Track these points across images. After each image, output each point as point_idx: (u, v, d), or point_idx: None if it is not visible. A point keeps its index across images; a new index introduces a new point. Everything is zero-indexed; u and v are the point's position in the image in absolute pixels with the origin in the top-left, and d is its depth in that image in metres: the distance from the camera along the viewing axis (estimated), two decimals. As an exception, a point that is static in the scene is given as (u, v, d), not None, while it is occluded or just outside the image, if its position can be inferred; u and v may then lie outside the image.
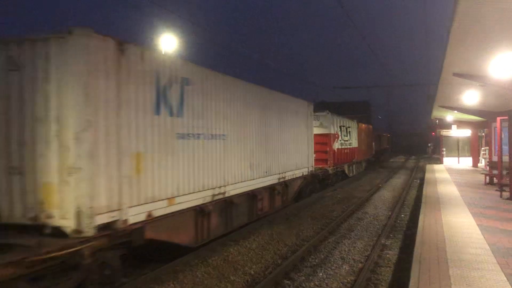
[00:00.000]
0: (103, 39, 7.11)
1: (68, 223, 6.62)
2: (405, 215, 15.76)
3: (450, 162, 39.20)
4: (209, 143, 10.29)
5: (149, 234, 7.98)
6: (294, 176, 16.57)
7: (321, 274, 8.84)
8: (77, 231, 6.59)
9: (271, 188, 14.29)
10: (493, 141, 23.97)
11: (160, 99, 8.46)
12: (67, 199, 6.64)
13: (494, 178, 20.10)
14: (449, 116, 32.28)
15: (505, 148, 18.59)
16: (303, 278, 8.61)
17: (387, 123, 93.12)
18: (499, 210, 13.20)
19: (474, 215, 12.33)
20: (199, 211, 9.76)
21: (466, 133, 37.19)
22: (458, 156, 39.39)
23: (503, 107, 20.52)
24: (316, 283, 8.31)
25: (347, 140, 27.84)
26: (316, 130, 21.05)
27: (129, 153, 7.53)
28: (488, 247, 8.69)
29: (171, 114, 8.81)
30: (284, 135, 15.54)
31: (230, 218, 11.44)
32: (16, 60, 6.96)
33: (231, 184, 11.34)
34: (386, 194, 21.50)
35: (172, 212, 8.68)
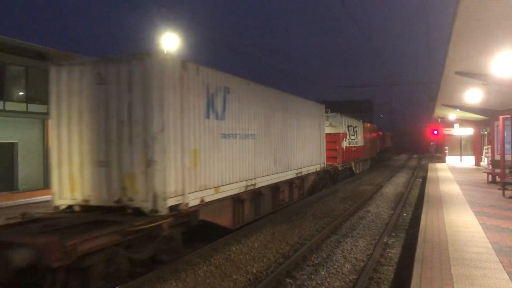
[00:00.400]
0: (172, 59, 9.01)
1: (147, 205, 8.37)
2: (407, 214, 15.74)
3: (452, 160, 39.15)
4: (244, 142, 12.16)
5: (202, 216, 9.85)
6: (309, 172, 18.36)
7: (323, 273, 8.84)
8: (154, 211, 8.32)
9: (290, 182, 16.06)
10: (495, 140, 23.89)
11: (209, 105, 10.32)
12: (146, 185, 8.38)
13: (497, 176, 20.07)
14: (452, 115, 32.24)
15: (508, 146, 18.56)
16: (305, 277, 8.61)
17: (389, 121, 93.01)
18: (501, 208, 13.18)
19: (477, 213, 12.32)
20: (236, 199, 11.69)
21: (468, 131, 37.14)
22: (461, 155, 39.34)
23: (506, 106, 20.49)
24: (318, 281, 8.31)
25: (354, 139, 29.30)
26: (327, 130, 22.30)
27: (189, 150, 9.37)
28: (490, 246, 8.68)
29: (217, 117, 10.67)
30: (300, 134, 17.21)
31: (259, 206, 13.24)
32: (103, 76, 8.74)
33: (260, 177, 13.18)
34: (388, 193, 21.49)
35: (217, 199, 10.59)
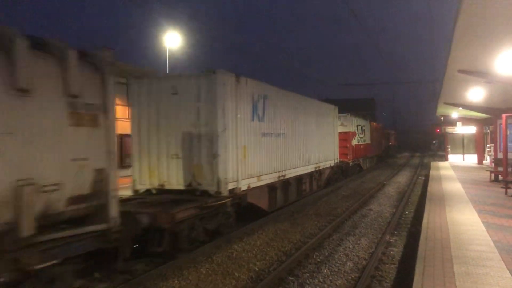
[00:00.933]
0: (230, 75, 11.31)
1: (212, 188, 10.67)
2: (410, 212, 15.73)
3: (455, 159, 39.06)
4: (277, 140, 14.50)
5: (249, 199, 12.26)
6: (325, 166, 20.79)
7: (325, 270, 8.85)
8: (218, 192, 10.65)
9: (310, 174, 18.52)
10: (498, 138, 23.83)
11: (254, 110, 12.71)
12: (212, 173, 10.69)
13: (499, 175, 20.02)
14: (454, 113, 32.16)
15: (510, 145, 18.50)
16: (307, 274, 8.62)
17: (392, 120, 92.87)
18: (504, 207, 13.16)
19: (479, 212, 12.30)
20: (271, 187, 14.09)
21: (471, 130, 37.04)
22: (463, 153, 39.24)
23: (509, 104, 20.42)
24: (321, 279, 8.32)
25: (362, 137, 31.65)
26: (338, 129, 24.39)
27: (241, 146, 11.73)
28: (493, 244, 8.67)
29: (259, 120, 13.09)
30: (318, 133, 19.57)
31: (287, 194, 15.71)
32: (176, 88, 11.07)
33: (288, 169, 15.47)
34: (391, 191, 21.47)
35: (258, 186, 12.90)
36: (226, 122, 10.91)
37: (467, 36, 9.83)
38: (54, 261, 6.08)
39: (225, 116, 10.85)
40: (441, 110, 31.49)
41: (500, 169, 20.07)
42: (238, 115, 11.61)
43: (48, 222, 6.09)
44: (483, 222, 10.81)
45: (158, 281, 8.03)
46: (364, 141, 32.65)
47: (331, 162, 21.81)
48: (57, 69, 6.26)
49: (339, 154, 23.92)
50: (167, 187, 11.09)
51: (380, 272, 8.83)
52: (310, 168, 18.14)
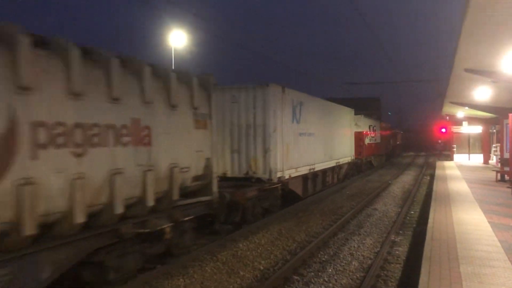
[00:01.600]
0: (278, 87, 14.12)
1: (265, 176, 13.47)
2: (415, 212, 15.68)
3: (460, 159, 38.88)
4: (309, 138, 17.16)
5: (290, 186, 15.18)
6: (344, 162, 23.67)
7: (330, 270, 8.83)
8: (270, 179, 13.49)
9: (332, 168, 21.39)
10: (504, 138, 23.70)
11: (293, 114, 15.45)
12: (265, 164, 13.47)
13: (506, 175, 19.92)
14: (460, 113, 32.02)
15: (517, 144, 18.39)
16: (312, 274, 8.61)
17: (397, 119, 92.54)
18: (510, 207, 13.08)
19: (485, 212, 12.23)
20: (304, 177, 16.94)
21: (477, 129, 36.86)
22: (469, 153, 39.04)
23: (515, 103, 20.28)
24: (326, 279, 8.30)
25: (373, 137, 34.83)
26: (354, 129, 27.21)
27: (285, 143, 14.45)
28: (499, 244, 8.63)
29: (297, 122, 15.78)
30: (338, 133, 22.51)
31: (315, 184, 18.74)
32: (236, 97, 13.59)
33: (316, 163, 18.09)
34: (396, 191, 21.40)
35: (296, 176, 15.63)
36: (275, 124, 13.76)
37: (474, 35, 9.78)
38: (187, 218, 9.10)
39: (275, 119, 13.74)
40: (447, 109, 31.36)
41: (506, 169, 19.97)
42: (283, 119, 14.45)
43: (183, 192, 8.94)
44: (489, 222, 10.76)
45: (163, 280, 8.04)
46: (375, 140, 35.57)
47: (348, 159, 24.71)
48: (189, 92, 9.29)
49: (354, 152, 26.60)
50: (229, 175, 13.61)
51: (385, 272, 8.80)
52: (332, 163, 21.02)
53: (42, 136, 5.74)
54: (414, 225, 13.28)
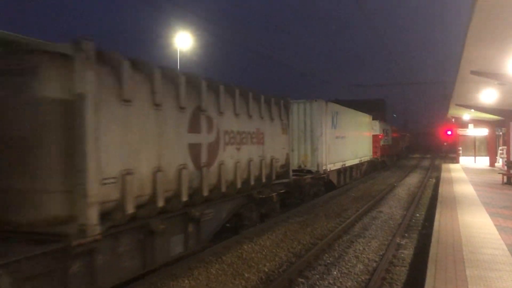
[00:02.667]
0: (324, 101, 18.59)
1: (313, 168, 17.76)
2: (420, 215, 15.61)
3: (466, 161, 38.68)
4: (342, 140, 21.60)
5: (330, 177, 19.51)
6: (364, 160, 28.26)
7: (335, 272, 8.81)
8: (317, 171, 17.78)
9: (357, 165, 26.05)
10: (511, 140, 23.57)
11: (332, 121, 19.81)
12: (313, 159, 17.77)
13: (512, 178, 19.78)
14: (466, 115, 31.86)
15: (524, 147, 18.28)
16: (317, 276, 8.59)
17: (402, 121, 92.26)
18: (517, 210, 12.99)
19: (491, 215, 12.17)
20: (338, 171, 21.46)
21: (483, 132, 36.67)
22: (475, 156, 38.84)
23: (522, 106, 20.16)
24: (331, 281, 8.29)
25: (386, 139, 39.54)
26: (371, 132, 32.02)
27: (327, 144, 18.58)
28: (505, 248, 8.58)
29: (334, 128, 20.14)
30: (360, 136, 27.14)
31: (345, 177, 23.32)
32: (292, 110, 15.83)
33: (346, 160, 22.67)
34: (401, 193, 21.33)
35: (333, 170, 19.93)
36: (321, 129, 18.22)
37: (480, 37, 9.74)
38: (274, 193, 12.99)
39: (321, 126, 18.21)
40: (453, 111, 31.22)
41: (513, 171, 19.83)
42: (326, 125, 18.75)
43: (275, 175, 12.98)
44: (495, 225, 10.70)
45: (168, 281, 8.05)
46: (388, 142, 40.59)
47: (367, 157, 29.41)
48: (279, 110, 13.48)
49: (372, 152, 31.51)
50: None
51: (390, 275, 8.76)
52: (357, 161, 25.59)
53: (226, 139, 10.21)
54: (420, 228, 13.22)
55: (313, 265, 9.29)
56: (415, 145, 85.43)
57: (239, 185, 10.64)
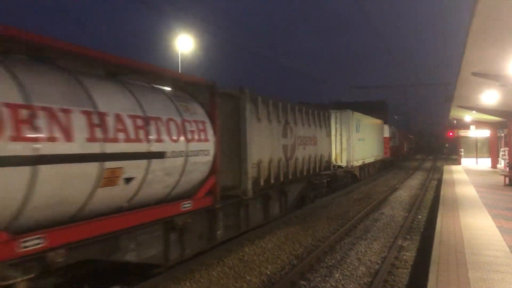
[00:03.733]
0: (351, 111, 23.91)
1: (344, 164, 23.20)
2: (422, 216, 15.58)
3: (468, 162, 38.62)
4: (362, 142, 26.29)
5: (355, 171, 24.80)
6: (378, 159, 33.87)
7: (337, 275, 8.79)
8: (347, 166, 23.39)
9: (372, 163, 31.38)
10: (513, 142, 23.50)
11: (356, 127, 24.64)
12: (343, 158, 23.13)
13: (514, 179, 19.73)
14: (468, 116, 31.81)
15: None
16: (319, 279, 8.57)
17: (404, 123, 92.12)
18: (519, 211, 12.95)
19: (494, 216, 12.13)
20: (360, 167, 26.34)
21: (484, 133, 36.61)
22: (476, 157, 38.77)
23: (524, 107, 20.11)
24: (333, 284, 8.27)
25: (394, 141, 45.77)
26: (383, 135, 37.27)
27: (353, 145, 23.46)
28: (508, 249, 8.55)
29: (357, 132, 24.71)
30: (375, 138, 32.26)
31: (365, 172, 28.68)
32: (337, 117, 22.99)
33: (366, 159, 27.70)
34: (403, 195, 21.29)
35: (357, 165, 24.80)
36: (348, 133, 23.14)
37: (481, 38, 9.73)
38: (324, 180, 18.71)
39: (348, 130, 23.11)
40: (454, 113, 31.17)
41: (515, 173, 19.77)
42: (352, 130, 23.45)
43: (323, 168, 17.91)
44: (498, 227, 10.67)
45: (170, 283, 8.04)
46: (395, 144, 46.64)
47: (380, 157, 35.06)
48: (325, 121, 18.51)
49: (383, 152, 36.97)
50: None
51: (393, 277, 8.75)
52: (372, 159, 30.82)
53: (298, 141, 14.71)
54: (422, 230, 13.19)
55: (315, 268, 9.27)
56: (417, 147, 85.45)
57: (304, 173, 15.49)
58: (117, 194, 6.77)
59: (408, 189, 24.16)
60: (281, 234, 12.08)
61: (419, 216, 15.61)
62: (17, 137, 5.11)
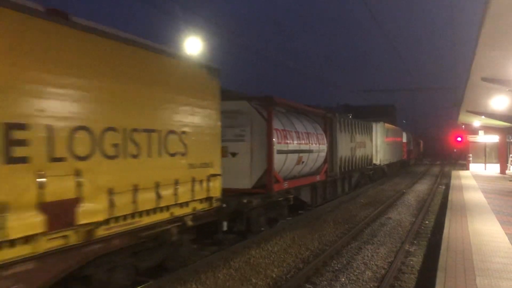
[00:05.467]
0: (382, 122, 31.11)
1: (377, 163, 29.57)
2: (429, 222, 15.47)
3: (476, 168, 38.34)
4: (388, 145, 32.36)
5: (385, 168, 32.50)
6: (399, 160, 40.09)
7: (343, 279, 8.75)
8: (380, 165, 30.13)
9: (395, 163, 37.48)
10: (522, 148, 23.31)
11: (386, 134, 31.94)
12: (376, 157, 29.41)
13: (523, 185, 19.57)
14: (476, 122, 31.62)
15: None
16: (325, 283, 8.54)
17: (412, 127, 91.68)
18: (528, 218, 12.83)
19: (502, 223, 12.03)
20: (387, 165, 33.20)
21: (493, 139, 36.34)
22: (485, 163, 38.48)
23: (534, 113, 19.95)
24: (339, 288, 8.23)
25: (409, 145, 52.00)
26: (402, 140, 44.43)
27: (383, 148, 30.84)
28: (516, 257, 8.46)
29: (387, 137, 32.15)
30: (398, 143, 38.99)
31: (390, 169, 35.15)
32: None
33: (391, 159, 34.21)
34: (410, 200, 21.17)
35: (384, 164, 31.64)
36: (382, 140, 29.70)
37: (491, 44, 9.68)
38: (370, 172, 27.87)
39: (382, 137, 29.47)
40: (463, 118, 31.02)
41: (524, 179, 19.61)
42: (381, 137, 29.55)
43: (367, 163, 26.70)
44: (506, 234, 10.57)
45: (176, 285, 8.05)
46: (410, 148, 53.60)
47: (400, 158, 41.50)
48: (370, 129, 28.25)
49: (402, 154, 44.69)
50: None
51: (399, 282, 8.69)
52: (395, 160, 37.45)
53: (357, 145, 23.29)
54: (429, 235, 13.10)
55: (321, 272, 9.24)
56: (424, 152, 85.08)
57: (360, 166, 23.55)
58: (299, 168, 14.68)
59: (415, 194, 24.02)
60: (288, 237, 12.06)
61: (426, 221, 15.50)
62: (281, 142, 12.72)
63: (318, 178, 16.39)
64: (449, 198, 17.93)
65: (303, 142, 14.46)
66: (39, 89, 5.52)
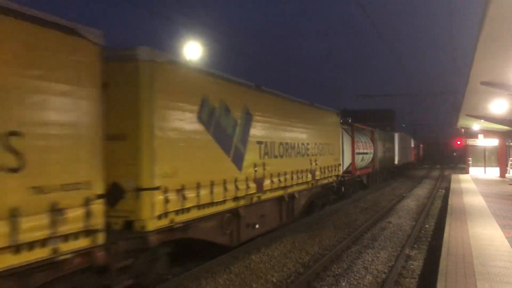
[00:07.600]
0: (401, 132, 48.82)
1: (397, 163, 41.92)
2: (430, 226, 15.47)
3: (476, 172, 38.36)
4: (404, 150, 45.35)
5: (401, 168, 46.91)
6: (410, 161, 53.34)
7: (344, 283, 8.74)
8: (396, 164, 41.21)
9: (407, 163, 50.41)
10: (521, 151, 23.33)
11: (398, 141, 42.35)
12: (391, 158, 38.26)
13: (523, 189, 19.57)
14: (476, 125, 31.66)
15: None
16: (325, 287, 8.53)
17: (411, 132, 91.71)
18: (528, 222, 12.83)
19: (502, 227, 12.03)
20: (403, 165, 46.20)
21: (493, 142, 36.37)
22: (485, 166, 38.49)
23: (533, 117, 19.98)
24: (339, 293, 8.21)
25: (415, 149, 61.42)
26: (410, 145, 54.36)
27: (398, 151, 41.81)
28: (517, 261, 8.46)
29: (401, 143, 43.62)
30: (409, 147, 52.45)
31: (406, 167, 49.62)
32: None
33: (403, 160, 45.11)
34: (410, 204, 21.16)
35: (401, 164, 44.04)
36: (394, 145, 39.04)
37: (490, 48, 9.71)
38: (392, 171, 39.45)
39: (397, 143, 40.12)
40: (463, 122, 31.05)
41: (524, 183, 19.62)
42: (398, 143, 40.39)
43: (392, 163, 39.30)
44: (507, 238, 10.57)
45: (176, 290, 8.04)
46: (416, 152, 63.23)
47: (410, 159, 51.83)
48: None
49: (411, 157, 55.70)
50: None
51: (400, 287, 8.68)
52: (408, 161, 48.16)
53: (383, 149, 33.79)
54: (429, 239, 13.10)
55: (322, 276, 9.23)
56: (424, 155, 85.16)
57: (387, 165, 34.07)
58: (362, 164, 25.32)
59: (415, 198, 24.02)
60: (288, 242, 12.04)
61: (427, 226, 15.50)
62: (356, 148, 23.44)
63: (370, 170, 27.37)
64: (449, 202, 17.93)
65: (363, 148, 25.09)
66: None
